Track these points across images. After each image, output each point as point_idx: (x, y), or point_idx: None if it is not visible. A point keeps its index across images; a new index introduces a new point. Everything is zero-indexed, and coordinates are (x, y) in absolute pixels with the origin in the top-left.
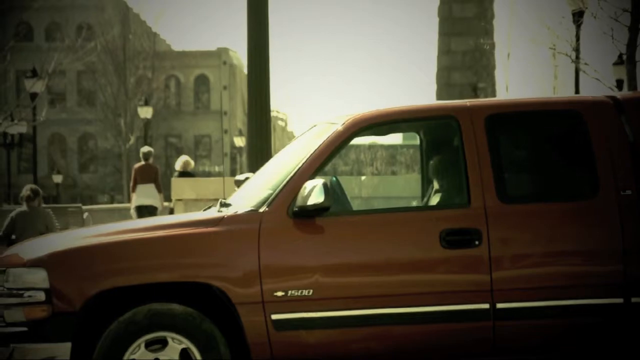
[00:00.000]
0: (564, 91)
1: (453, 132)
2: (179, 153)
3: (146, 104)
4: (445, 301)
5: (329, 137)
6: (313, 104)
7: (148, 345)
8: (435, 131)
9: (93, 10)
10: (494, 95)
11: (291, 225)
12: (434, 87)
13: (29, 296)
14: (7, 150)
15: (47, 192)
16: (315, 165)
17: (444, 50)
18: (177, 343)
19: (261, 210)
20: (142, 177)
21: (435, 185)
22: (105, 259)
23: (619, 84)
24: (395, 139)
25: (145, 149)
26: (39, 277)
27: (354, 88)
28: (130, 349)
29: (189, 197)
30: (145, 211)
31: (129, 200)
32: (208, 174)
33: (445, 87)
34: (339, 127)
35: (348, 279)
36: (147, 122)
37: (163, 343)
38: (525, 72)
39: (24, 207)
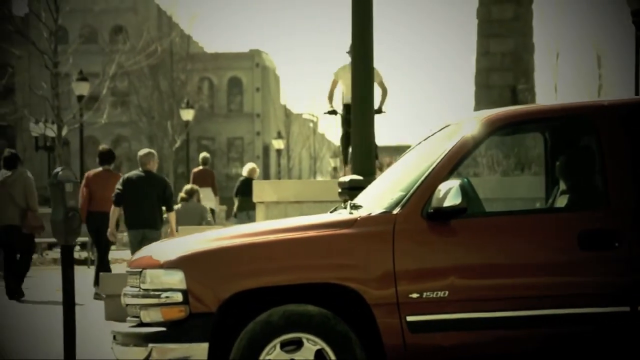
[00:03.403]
0: (609, 92)
1: (588, 131)
2: (212, 155)
3: (191, 107)
4: (584, 304)
5: (463, 138)
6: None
7: (283, 345)
8: (567, 131)
9: (127, 13)
10: (534, 97)
11: (425, 226)
12: (472, 89)
13: (167, 297)
14: (47, 152)
15: None
16: (450, 166)
17: (483, 52)
18: (312, 344)
19: (395, 211)
20: (200, 181)
21: (563, 186)
22: (242, 260)
23: None
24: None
25: (204, 154)
26: (177, 279)
27: (392, 89)
28: (266, 349)
29: (270, 199)
30: None
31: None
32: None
33: (484, 89)
34: (472, 127)
35: (484, 281)
36: (188, 125)
37: (298, 344)
38: (570, 72)
39: (181, 204)
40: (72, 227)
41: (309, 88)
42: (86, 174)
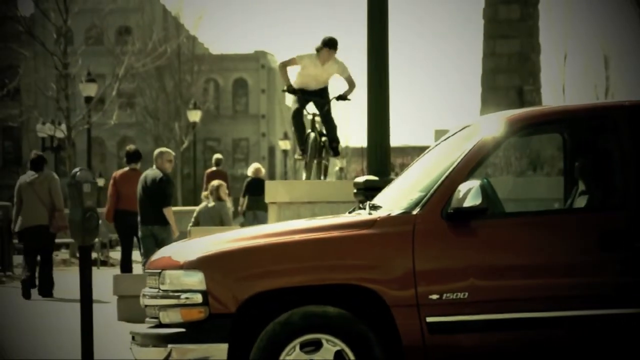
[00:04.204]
0: (617, 93)
1: (609, 132)
2: None
3: (198, 108)
4: (605, 305)
5: (483, 139)
6: (345, 106)
7: (303, 346)
8: (587, 132)
9: (132, 13)
10: (540, 98)
11: (445, 227)
12: (475, 90)
13: (186, 298)
14: (54, 154)
15: None
16: (469, 167)
17: (489, 53)
18: (331, 345)
19: (414, 212)
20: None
21: (582, 186)
22: (261, 261)
23: None
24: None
25: (218, 156)
26: (196, 280)
27: (395, 90)
28: (286, 350)
29: (283, 199)
30: None
31: (195, 203)
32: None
33: (490, 90)
34: (492, 128)
35: (504, 282)
36: (194, 126)
37: (317, 345)
38: (577, 73)
39: (203, 204)
40: (90, 228)
41: None
42: (113, 174)
